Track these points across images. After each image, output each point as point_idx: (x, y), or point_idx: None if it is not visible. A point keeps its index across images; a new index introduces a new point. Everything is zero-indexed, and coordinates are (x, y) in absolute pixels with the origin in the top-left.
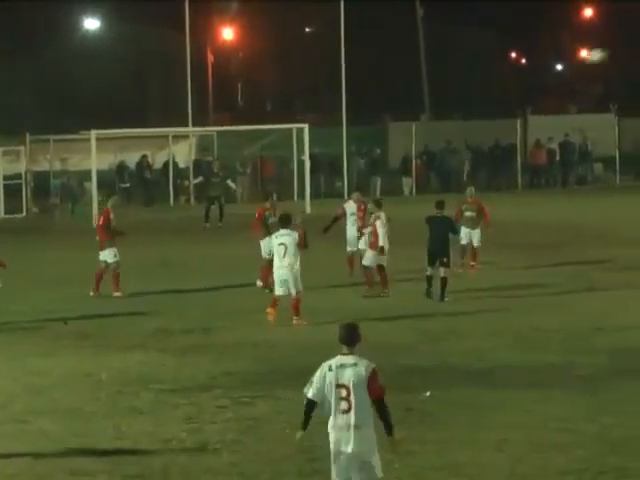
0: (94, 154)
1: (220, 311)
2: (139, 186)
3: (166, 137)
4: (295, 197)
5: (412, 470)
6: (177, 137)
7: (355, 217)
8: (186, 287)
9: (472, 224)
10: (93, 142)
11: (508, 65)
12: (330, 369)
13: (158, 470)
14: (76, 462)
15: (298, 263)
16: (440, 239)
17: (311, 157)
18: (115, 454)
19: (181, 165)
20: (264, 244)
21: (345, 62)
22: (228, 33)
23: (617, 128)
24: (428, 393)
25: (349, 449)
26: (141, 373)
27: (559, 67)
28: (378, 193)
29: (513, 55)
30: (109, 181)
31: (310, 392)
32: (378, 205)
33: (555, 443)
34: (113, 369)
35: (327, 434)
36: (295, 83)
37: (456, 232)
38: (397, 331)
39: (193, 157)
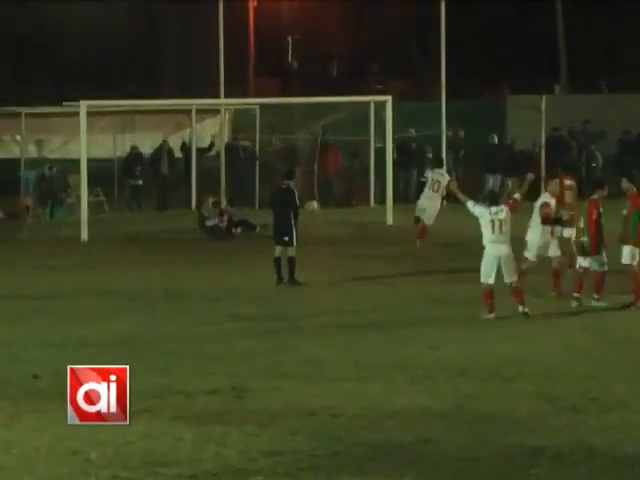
0: (84, 134)
1: (256, 363)
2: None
3: (187, 112)
4: (372, 202)
5: None
6: (202, 112)
7: None
8: (204, 328)
9: None
10: (83, 117)
11: None
12: None
13: None
14: None
15: None
16: None
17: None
18: None
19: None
20: None
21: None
22: None
23: None
24: None
25: None
26: (146, 451)
27: None
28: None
29: None
30: (107, 174)
31: None
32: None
33: None
34: (107, 445)
35: None
36: (373, 39)
37: None
38: (513, 395)
39: (225, 140)
